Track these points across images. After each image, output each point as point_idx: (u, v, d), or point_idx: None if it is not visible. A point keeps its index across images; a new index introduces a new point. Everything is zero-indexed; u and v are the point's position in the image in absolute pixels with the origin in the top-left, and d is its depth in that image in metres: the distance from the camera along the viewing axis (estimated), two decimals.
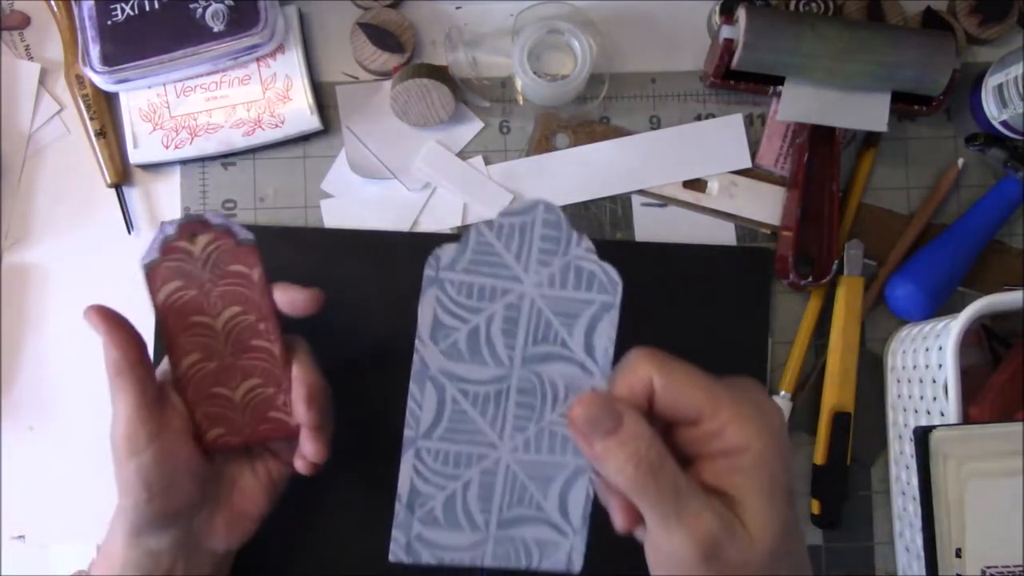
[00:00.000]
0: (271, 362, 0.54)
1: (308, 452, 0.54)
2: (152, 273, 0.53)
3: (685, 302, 0.66)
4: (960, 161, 0.66)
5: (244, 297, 0.53)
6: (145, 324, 0.65)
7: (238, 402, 0.54)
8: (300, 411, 0.54)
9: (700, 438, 0.41)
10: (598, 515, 0.45)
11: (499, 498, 0.45)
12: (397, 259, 0.66)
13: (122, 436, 0.51)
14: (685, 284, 0.66)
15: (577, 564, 0.45)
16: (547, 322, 0.44)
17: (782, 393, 0.65)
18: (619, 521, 0.44)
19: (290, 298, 0.54)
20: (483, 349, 0.44)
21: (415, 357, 0.44)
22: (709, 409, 0.41)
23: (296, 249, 0.66)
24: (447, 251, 0.45)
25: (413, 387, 0.44)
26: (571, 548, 0.45)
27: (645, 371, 0.42)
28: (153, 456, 0.51)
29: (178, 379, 0.54)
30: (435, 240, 0.66)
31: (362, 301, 0.65)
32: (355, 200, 0.67)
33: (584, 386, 0.43)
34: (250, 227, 0.66)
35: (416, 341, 0.44)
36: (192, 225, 0.52)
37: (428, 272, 0.45)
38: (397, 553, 0.45)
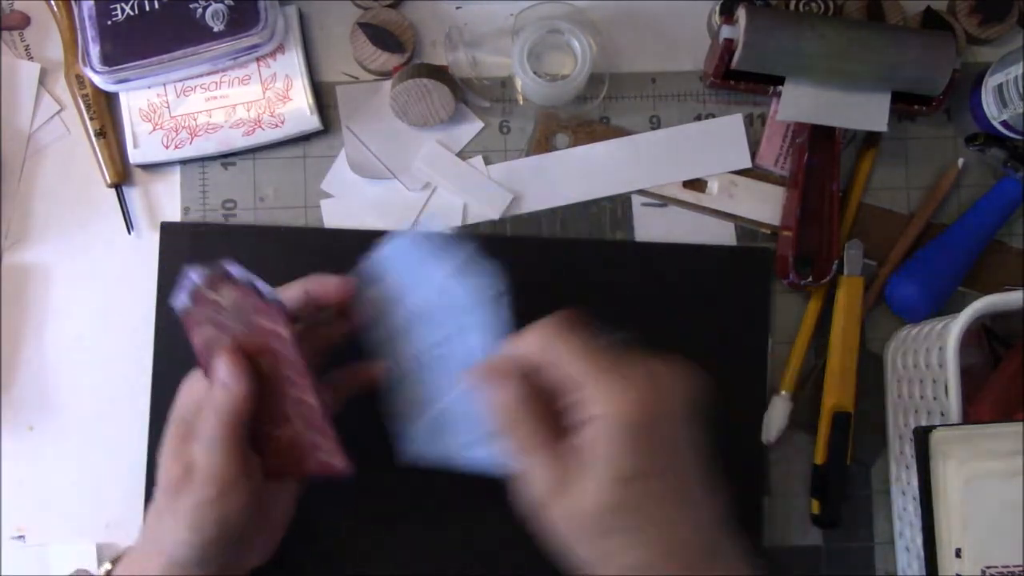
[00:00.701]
0: (309, 411, 0.53)
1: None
2: (186, 318, 0.53)
3: (685, 302, 0.66)
4: (960, 161, 0.66)
5: (275, 351, 0.52)
6: (145, 325, 0.66)
7: (284, 442, 0.54)
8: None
9: (572, 406, 0.47)
10: None
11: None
12: None
13: (211, 478, 0.51)
14: (685, 284, 0.66)
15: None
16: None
17: (782, 393, 0.65)
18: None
19: (322, 286, 0.55)
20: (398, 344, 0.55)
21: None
22: (576, 382, 0.46)
23: (296, 249, 0.66)
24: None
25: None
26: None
27: (534, 340, 0.48)
28: (241, 499, 0.52)
29: None
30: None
31: (360, 295, 0.65)
32: (355, 200, 0.67)
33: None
34: (250, 227, 0.67)
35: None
36: (217, 277, 0.51)
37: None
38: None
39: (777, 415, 0.65)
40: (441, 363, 0.54)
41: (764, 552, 0.65)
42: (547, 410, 0.48)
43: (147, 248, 0.66)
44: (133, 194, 0.67)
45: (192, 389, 0.55)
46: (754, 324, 0.66)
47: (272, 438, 0.54)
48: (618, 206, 0.67)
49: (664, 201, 0.67)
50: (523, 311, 0.65)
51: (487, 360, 0.49)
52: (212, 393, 0.52)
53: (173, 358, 0.65)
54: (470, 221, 0.67)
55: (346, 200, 0.67)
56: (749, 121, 0.68)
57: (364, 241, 0.66)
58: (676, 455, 0.47)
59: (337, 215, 0.67)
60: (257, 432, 0.54)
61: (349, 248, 0.66)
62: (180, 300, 0.52)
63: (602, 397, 0.45)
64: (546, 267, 0.66)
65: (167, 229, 0.66)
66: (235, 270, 0.51)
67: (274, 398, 0.53)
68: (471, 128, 0.67)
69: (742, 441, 0.65)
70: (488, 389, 0.48)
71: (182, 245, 0.66)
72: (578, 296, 0.65)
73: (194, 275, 0.51)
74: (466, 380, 0.50)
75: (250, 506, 0.52)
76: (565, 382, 0.47)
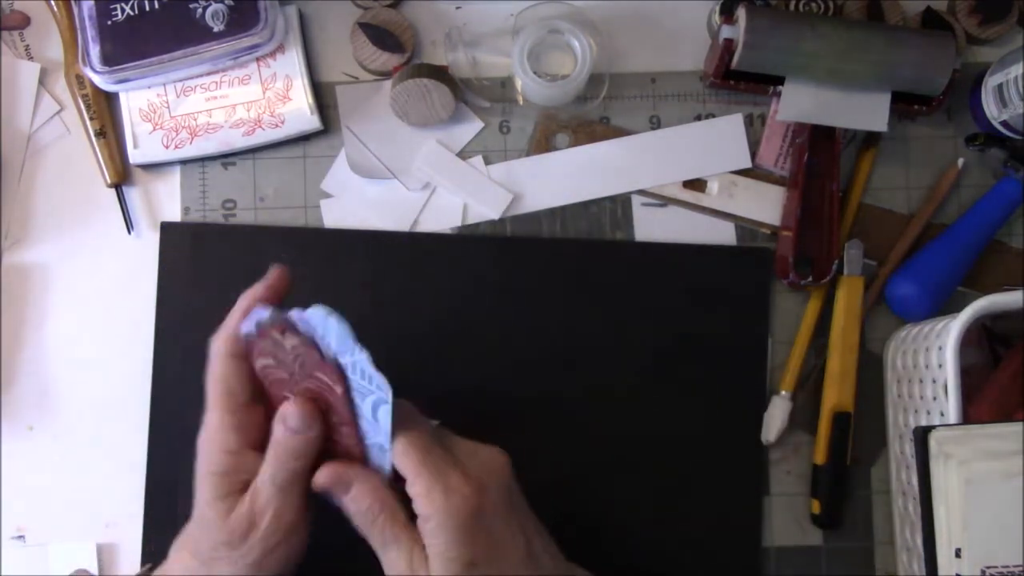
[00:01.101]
0: (353, 458, 0.54)
1: None
2: (250, 344, 0.54)
3: (685, 302, 0.66)
4: (960, 161, 0.66)
5: (328, 401, 0.53)
6: (145, 325, 0.66)
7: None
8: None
9: (413, 500, 0.51)
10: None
11: None
12: (397, 259, 0.66)
13: (278, 522, 0.52)
14: (685, 284, 0.66)
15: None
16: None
17: (782, 393, 0.65)
18: None
19: (253, 293, 0.55)
20: None
21: None
22: (411, 480, 0.50)
23: (296, 249, 0.66)
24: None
25: None
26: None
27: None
28: (302, 540, 0.53)
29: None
30: (435, 240, 0.67)
31: (361, 301, 0.65)
32: (355, 200, 0.67)
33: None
34: (250, 227, 0.67)
35: None
36: (281, 325, 0.52)
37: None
38: None
39: (777, 415, 0.64)
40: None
41: (763, 552, 0.65)
42: (401, 499, 0.52)
43: (147, 248, 0.66)
44: (133, 194, 0.67)
45: (214, 441, 0.54)
46: (754, 324, 0.66)
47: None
48: (618, 206, 0.67)
49: (664, 201, 0.67)
50: (524, 313, 0.65)
51: (331, 469, 0.52)
52: (283, 438, 0.52)
53: (173, 358, 0.65)
54: (470, 221, 0.67)
55: (346, 200, 0.67)
56: (749, 121, 0.68)
57: (364, 241, 0.66)
58: (505, 540, 0.51)
59: (337, 215, 0.67)
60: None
61: (349, 248, 0.66)
62: (247, 326, 0.53)
63: (430, 498, 0.50)
64: (546, 268, 0.66)
65: (167, 229, 0.66)
66: (301, 323, 0.51)
67: (325, 445, 0.54)
68: (471, 128, 0.67)
69: (742, 441, 0.65)
70: (344, 490, 0.52)
71: (182, 245, 0.66)
72: (578, 296, 0.66)
73: (263, 311, 0.52)
74: (321, 481, 0.52)
75: (306, 544, 0.54)
76: (406, 479, 0.51)
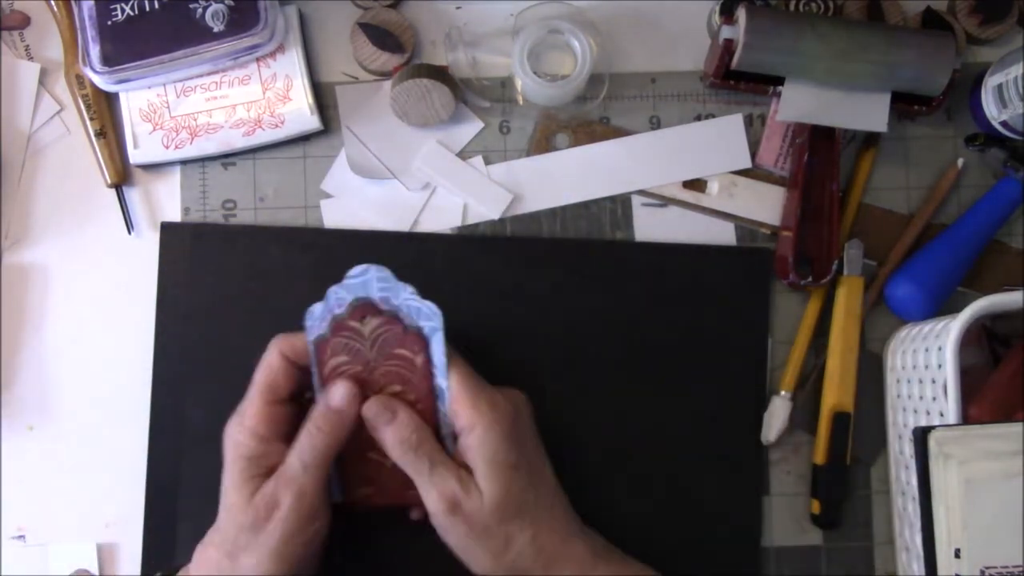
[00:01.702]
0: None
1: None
2: (321, 345, 0.56)
3: (685, 303, 0.66)
4: (960, 161, 0.66)
5: (406, 379, 0.56)
6: (145, 325, 0.66)
7: (389, 467, 0.56)
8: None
9: (453, 421, 0.56)
10: None
11: None
12: (397, 259, 0.66)
13: (300, 503, 0.54)
14: (684, 284, 0.66)
15: None
16: None
17: (782, 393, 0.65)
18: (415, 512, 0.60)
19: (292, 346, 0.57)
20: None
21: None
22: (456, 394, 0.55)
23: (296, 249, 0.66)
24: (316, 308, 0.56)
25: None
26: None
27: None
28: (324, 523, 0.55)
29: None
30: (435, 240, 0.67)
31: None
32: (355, 200, 0.67)
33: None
34: (250, 227, 0.67)
35: None
36: (364, 308, 0.55)
37: (308, 323, 0.56)
38: None
39: (777, 415, 0.65)
40: None
41: (763, 552, 0.65)
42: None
43: (147, 248, 0.66)
44: (133, 194, 0.67)
45: (247, 427, 0.56)
46: (754, 324, 0.66)
47: (374, 463, 0.57)
48: (618, 206, 0.67)
49: (664, 201, 0.67)
50: (522, 314, 0.65)
51: (375, 400, 0.56)
52: (321, 414, 0.55)
53: (173, 358, 0.65)
54: (470, 221, 0.67)
55: (346, 200, 0.67)
56: (749, 121, 0.68)
57: (364, 241, 0.66)
58: (536, 452, 0.58)
59: (337, 215, 0.67)
60: (360, 456, 0.57)
61: (349, 248, 0.66)
62: (319, 329, 0.55)
63: (477, 408, 0.55)
64: (545, 268, 0.66)
65: (167, 229, 0.66)
66: (382, 302, 0.55)
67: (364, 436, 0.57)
68: (471, 128, 0.67)
69: (742, 441, 0.65)
70: (389, 418, 0.55)
71: (182, 245, 0.66)
72: (578, 296, 0.66)
73: (337, 307, 0.55)
74: (369, 410, 0.56)
75: (327, 529, 0.56)
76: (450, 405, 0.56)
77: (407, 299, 0.54)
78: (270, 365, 0.56)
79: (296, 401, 0.57)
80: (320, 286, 0.64)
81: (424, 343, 0.55)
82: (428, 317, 0.54)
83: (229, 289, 0.66)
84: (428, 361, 0.55)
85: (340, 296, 0.55)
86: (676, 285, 0.66)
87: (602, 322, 0.66)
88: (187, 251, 0.66)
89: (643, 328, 0.66)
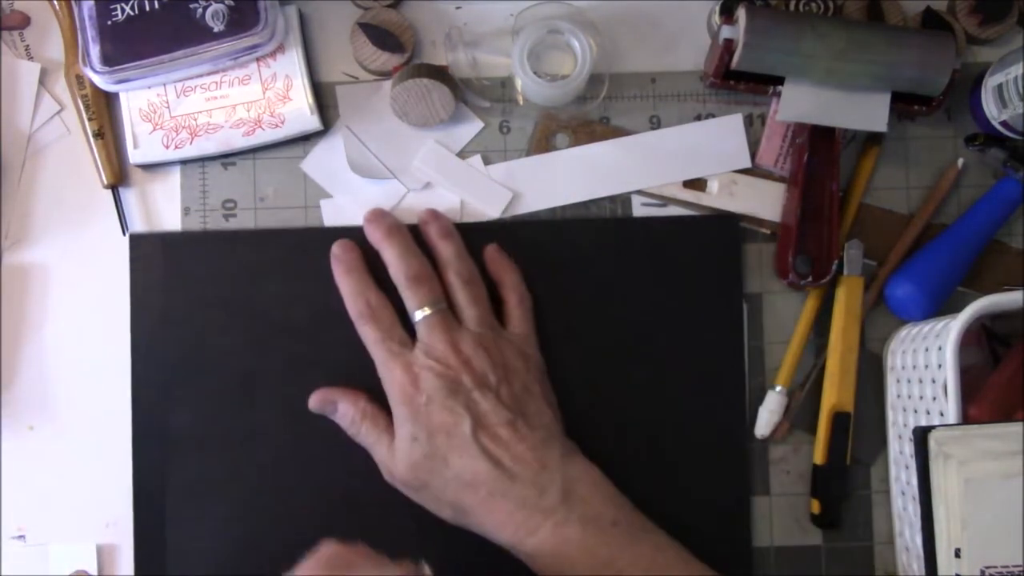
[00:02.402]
0: None
1: None
2: None
3: (654, 277, 0.65)
4: (960, 161, 0.66)
5: None
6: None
7: None
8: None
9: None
10: None
11: None
12: (368, 247, 0.65)
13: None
14: (652, 259, 0.65)
15: None
16: None
17: (777, 388, 0.65)
18: None
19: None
20: None
21: None
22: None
23: (272, 253, 0.66)
24: None
25: None
26: None
27: None
28: None
29: None
30: (408, 230, 0.66)
31: (338, 293, 0.64)
32: (355, 200, 0.67)
33: None
34: (220, 232, 0.66)
35: None
36: None
37: None
38: None
39: (771, 409, 0.65)
40: None
41: (763, 552, 0.65)
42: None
43: None
44: (133, 195, 0.67)
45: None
46: (727, 293, 0.65)
47: None
48: (618, 206, 0.67)
49: (664, 201, 0.67)
50: (493, 296, 0.65)
51: (323, 390, 0.65)
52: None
53: (151, 368, 0.65)
54: (470, 220, 0.67)
55: (346, 200, 0.67)
56: (749, 121, 0.68)
57: (342, 236, 0.65)
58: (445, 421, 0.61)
59: (337, 215, 0.67)
60: None
61: (326, 244, 0.65)
62: None
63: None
64: (516, 248, 0.65)
65: (136, 241, 0.66)
66: None
67: None
68: (471, 128, 0.67)
69: (727, 423, 0.65)
70: (333, 409, 0.64)
71: (153, 255, 0.65)
72: (550, 275, 0.65)
73: None
74: (313, 404, 0.64)
75: None
76: None
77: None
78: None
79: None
80: (319, 287, 0.64)
81: None
82: None
83: (203, 294, 0.65)
84: None
85: None
86: (643, 261, 0.65)
87: (574, 305, 0.65)
88: (159, 260, 0.65)
89: (615, 307, 0.65)
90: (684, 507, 0.64)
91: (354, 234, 0.65)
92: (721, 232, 0.66)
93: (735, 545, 0.65)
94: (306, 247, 0.66)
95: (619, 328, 0.65)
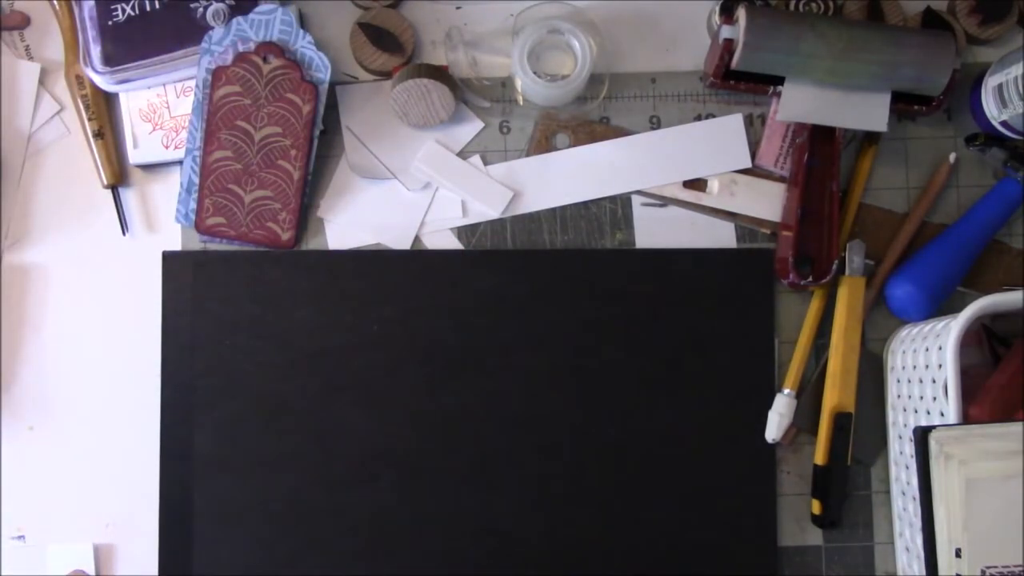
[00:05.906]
0: (288, 184, 0.62)
1: None
2: (218, 72, 0.61)
3: (689, 307, 0.66)
4: (952, 156, 0.66)
5: (288, 122, 0.62)
6: (145, 325, 0.66)
7: (247, 204, 0.62)
8: None
9: None
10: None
11: None
12: (398, 277, 0.65)
13: None
14: (688, 290, 0.66)
15: None
16: None
17: (786, 391, 0.65)
18: None
19: None
20: None
21: None
22: None
23: (299, 272, 0.65)
24: (216, 32, 0.63)
25: None
26: None
27: None
28: None
29: (204, 167, 0.62)
30: (439, 256, 0.66)
31: (362, 320, 0.65)
32: (355, 200, 0.67)
33: None
34: (251, 252, 0.66)
35: None
36: (269, 47, 0.61)
37: (205, 46, 0.63)
38: None
39: (781, 413, 0.64)
40: None
41: (778, 551, 0.65)
42: None
43: (147, 248, 0.66)
44: (133, 194, 0.67)
45: None
46: (759, 326, 0.66)
47: (234, 195, 0.63)
48: (618, 206, 0.67)
49: (664, 201, 0.67)
50: (527, 326, 0.65)
51: None
52: None
53: (180, 387, 0.65)
54: (470, 220, 0.67)
55: (346, 201, 0.67)
56: (749, 121, 0.68)
57: (366, 260, 0.65)
58: None
59: (337, 215, 0.67)
60: (221, 187, 0.63)
61: (352, 268, 0.65)
62: (223, 58, 0.61)
63: None
64: (548, 279, 0.65)
65: (169, 259, 0.66)
66: (288, 46, 0.61)
67: (259, 165, 0.63)
68: (471, 128, 0.67)
69: (753, 443, 0.65)
70: None
71: (184, 274, 0.65)
72: (583, 307, 0.65)
73: (242, 44, 0.61)
74: None
75: None
76: None
77: (304, 46, 0.61)
78: None
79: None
80: (322, 307, 0.64)
81: (315, 94, 0.61)
82: (319, 69, 0.61)
83: (233, 315, 0.65)
84: (313, 111, 0.62)
85: (243, 30, 0.61)
86: (680, 291, 0.66)
87: (609, 332, 0.65)
88: (189, 279, 0.65)
89: (649, 336, 0.66)
90: (713, 516, 0.65)
91: (380, 257, 0.66)
92: (754, 265, 0.66)
93: (760, 553, 0.65)
94: (334, 271, 0.65)
95: (655, 356, 0.65)
